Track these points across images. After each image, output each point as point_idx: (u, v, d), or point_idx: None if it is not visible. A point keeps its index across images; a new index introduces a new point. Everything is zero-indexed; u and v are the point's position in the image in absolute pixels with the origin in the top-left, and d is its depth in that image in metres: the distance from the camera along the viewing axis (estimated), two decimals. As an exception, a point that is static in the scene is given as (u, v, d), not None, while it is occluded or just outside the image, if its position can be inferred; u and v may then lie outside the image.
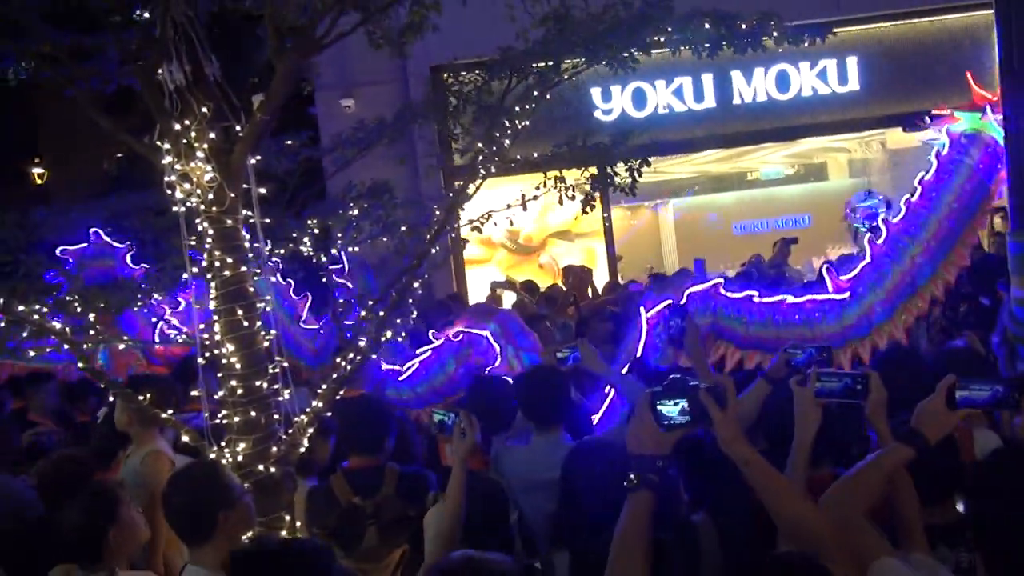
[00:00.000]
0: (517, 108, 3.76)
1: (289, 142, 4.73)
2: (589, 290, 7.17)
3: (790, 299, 3.66)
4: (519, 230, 9.25)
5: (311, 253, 4.53)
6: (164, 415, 2.71)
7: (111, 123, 2.69)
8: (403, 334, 3.64)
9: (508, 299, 7.91)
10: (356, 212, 4.50)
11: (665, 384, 1.61)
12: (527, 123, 3.86)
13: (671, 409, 1.59)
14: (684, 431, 1.60)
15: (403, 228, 4.47)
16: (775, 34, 3.51)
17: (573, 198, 4.77)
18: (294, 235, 4.36)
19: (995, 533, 1.59)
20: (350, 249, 5.01)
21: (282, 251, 4.33)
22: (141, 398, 2.69)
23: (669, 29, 3.53)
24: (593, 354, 3.34)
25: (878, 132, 9.64)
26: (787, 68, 8.93)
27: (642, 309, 3.89)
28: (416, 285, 3.51)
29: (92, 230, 4.74)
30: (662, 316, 3.77)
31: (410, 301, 3.56)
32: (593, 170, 5.04)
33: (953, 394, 1.77)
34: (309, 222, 4.30)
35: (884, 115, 8.90)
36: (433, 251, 3.48)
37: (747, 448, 1.61)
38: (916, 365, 2.74)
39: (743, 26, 3.48)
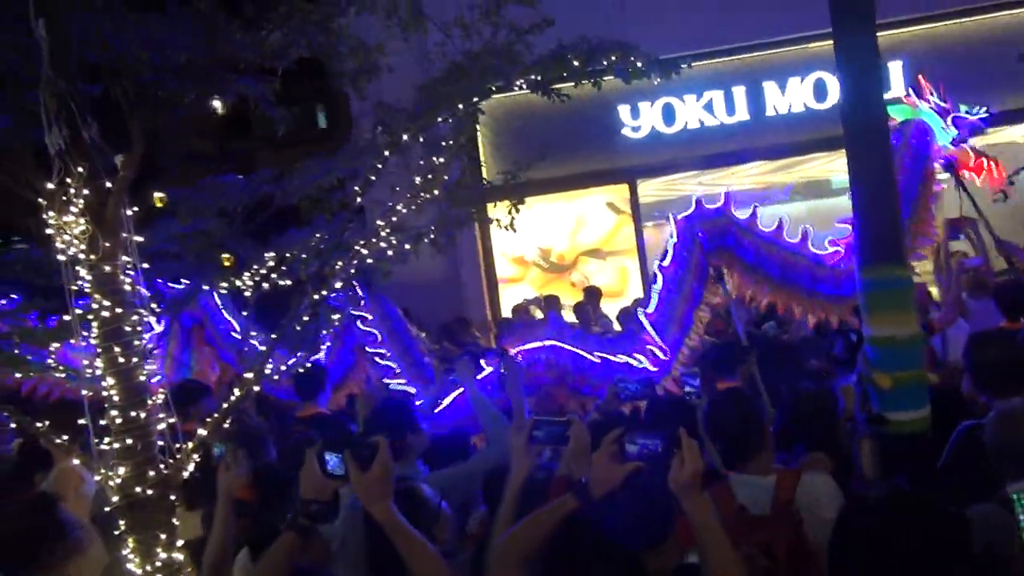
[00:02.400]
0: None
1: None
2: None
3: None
4: (551, 248, 9.35)
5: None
6: (58, 440, 3.04)
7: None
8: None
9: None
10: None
11: (333, 440, 1.76)
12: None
13: (334, 461, 1.73)
14: (342, 483, 1.73)
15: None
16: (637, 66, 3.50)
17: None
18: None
19: None
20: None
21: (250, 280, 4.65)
22: (39, 425, 3.03)
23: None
24: (467, 371, 3.46)
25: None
26: (823, 76, 8.62)
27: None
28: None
29: None
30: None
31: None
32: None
33: (623, 446, 1.78)
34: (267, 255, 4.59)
35: (934, 121, 8.41)
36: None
37: (387, 511, 1.72)
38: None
39: (605, 61, 3.50)
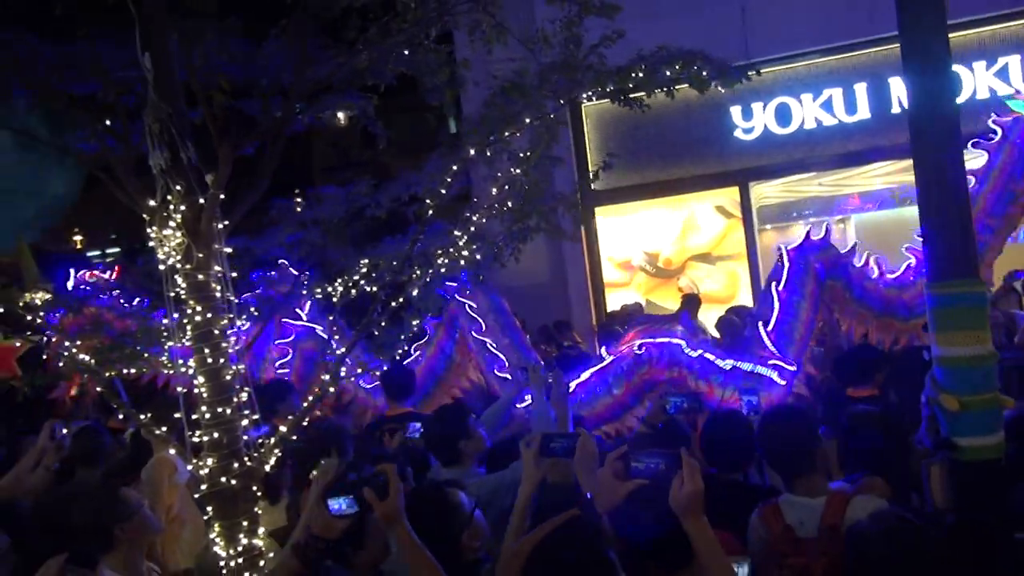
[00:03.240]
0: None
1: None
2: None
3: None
4: (658, 253, 9.22)
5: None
6: (158, 431, 3.36)
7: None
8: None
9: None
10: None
11: (337, 484, 1.90)
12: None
13: (339, 502, 1.87)
14: (352, 518, 1.87)
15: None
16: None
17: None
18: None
19: None
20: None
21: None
22: (143, 416, 3.36)
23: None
24: (537, 378, 3.51)
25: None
26: (957, 69, 8.01)
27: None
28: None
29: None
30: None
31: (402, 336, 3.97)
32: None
33: (628, 464, 1.79)
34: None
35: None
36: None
37: (404, 531, 1.83)
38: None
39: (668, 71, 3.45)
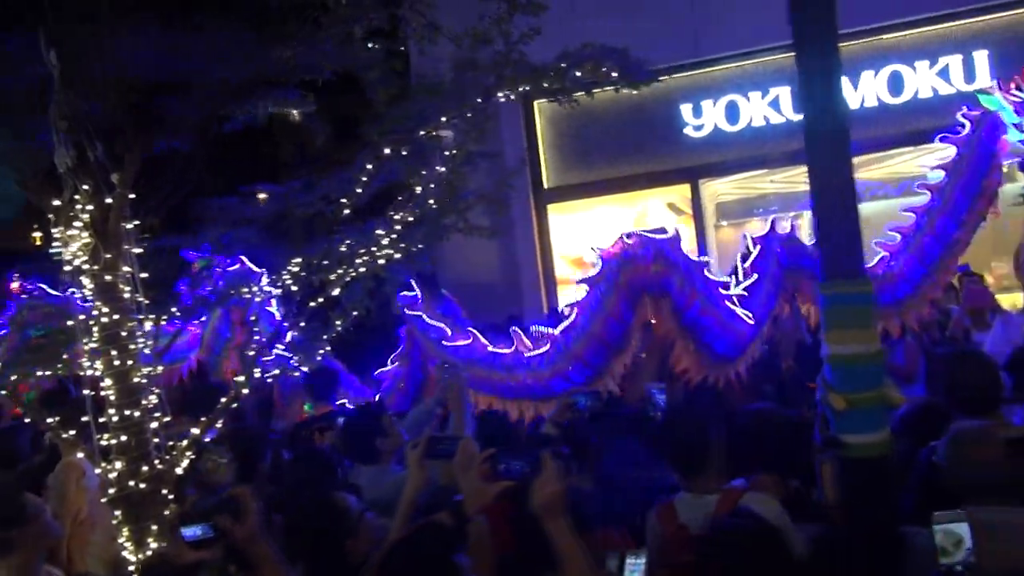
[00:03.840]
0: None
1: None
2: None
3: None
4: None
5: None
6: (65, 435, 3.31)
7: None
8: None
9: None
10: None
11: (188, 512, 1.89)
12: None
13: (194, 529, 1.86)
14: (212, 544, 1.86)
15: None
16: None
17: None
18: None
19: None
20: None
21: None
22: (49, 421, 3.31)
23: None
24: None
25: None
26: (900, 69, 8.15)
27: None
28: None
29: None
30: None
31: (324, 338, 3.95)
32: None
33: (495, 466, 1.80)
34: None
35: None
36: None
37: (265, 550, 1.83)
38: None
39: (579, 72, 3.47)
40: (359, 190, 3.55)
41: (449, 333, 4.65)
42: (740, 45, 8.39)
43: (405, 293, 4.88)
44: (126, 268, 3.23)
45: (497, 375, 4.39)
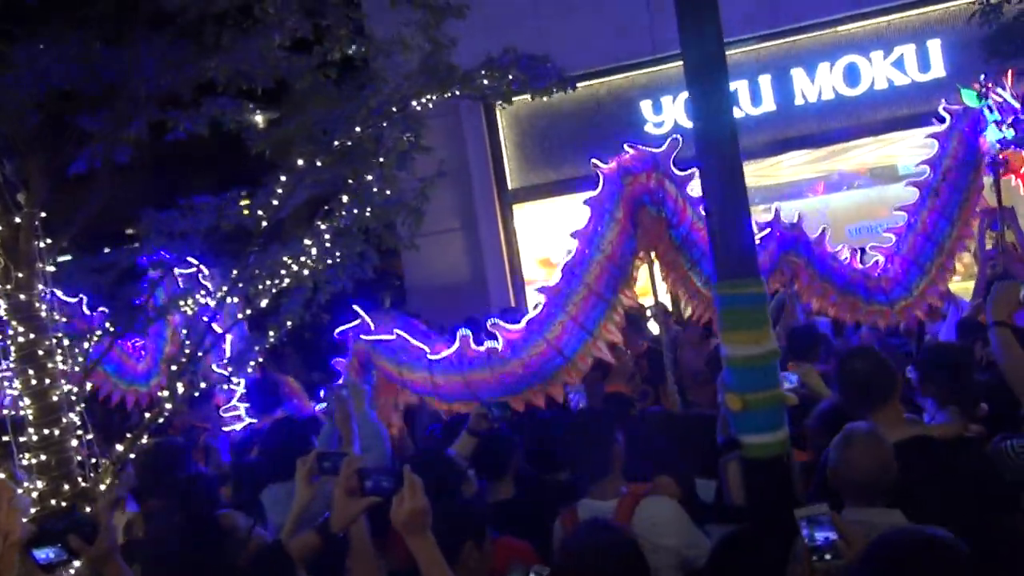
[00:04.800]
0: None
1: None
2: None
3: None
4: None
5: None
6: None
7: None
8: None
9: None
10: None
11: (39, 533, 1.87)
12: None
13: (45, 552, 1.84)
14: (66, 566, 1.85)
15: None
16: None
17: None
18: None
19: None
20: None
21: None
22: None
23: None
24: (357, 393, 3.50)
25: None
26: (856, 60, 8.18)
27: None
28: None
29: None
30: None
31: (256, 348, 3.93)
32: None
33: (362, 481, 1.80)
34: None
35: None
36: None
37: (118, 569, 1.83)
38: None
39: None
40: (275, 202, 3.54)
41: (428, 350, 4.43)
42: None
43: (343, 328, 4.39)
44: (41, 287, 3.21)
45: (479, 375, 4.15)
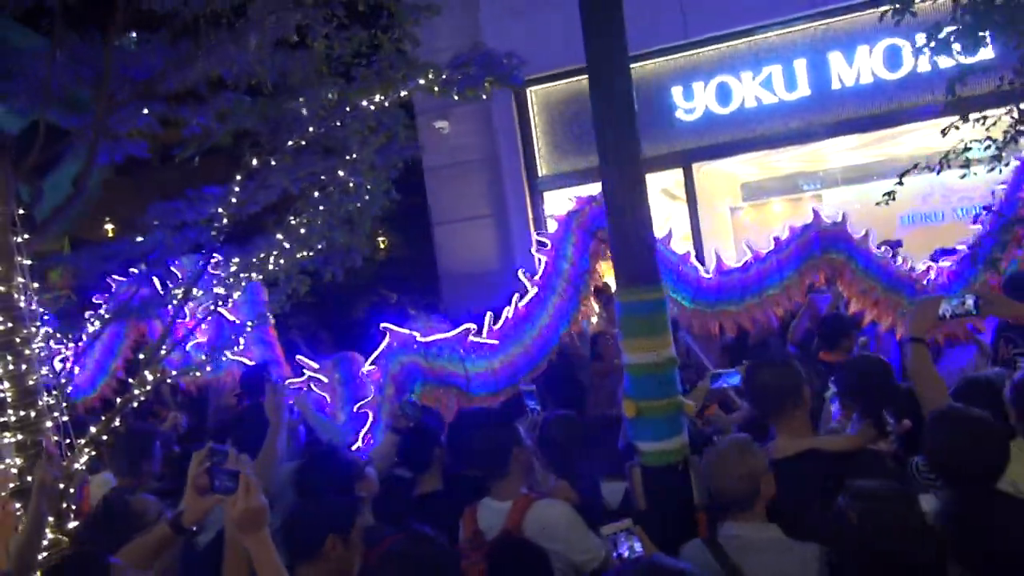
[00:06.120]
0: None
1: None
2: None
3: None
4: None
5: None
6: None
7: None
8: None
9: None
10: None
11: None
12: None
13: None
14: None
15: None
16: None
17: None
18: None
19: None
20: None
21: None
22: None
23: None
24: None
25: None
26: (896, 43, 7.80)
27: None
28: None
29: None
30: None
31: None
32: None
33: (212, 479, 1.89)
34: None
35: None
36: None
37: None
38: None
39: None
40: (233, 199, 3.68)
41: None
42: (729, 24, 8.20)
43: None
44: (20, 279, 3.45)
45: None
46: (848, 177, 10.27)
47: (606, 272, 5.33)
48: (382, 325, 4.59)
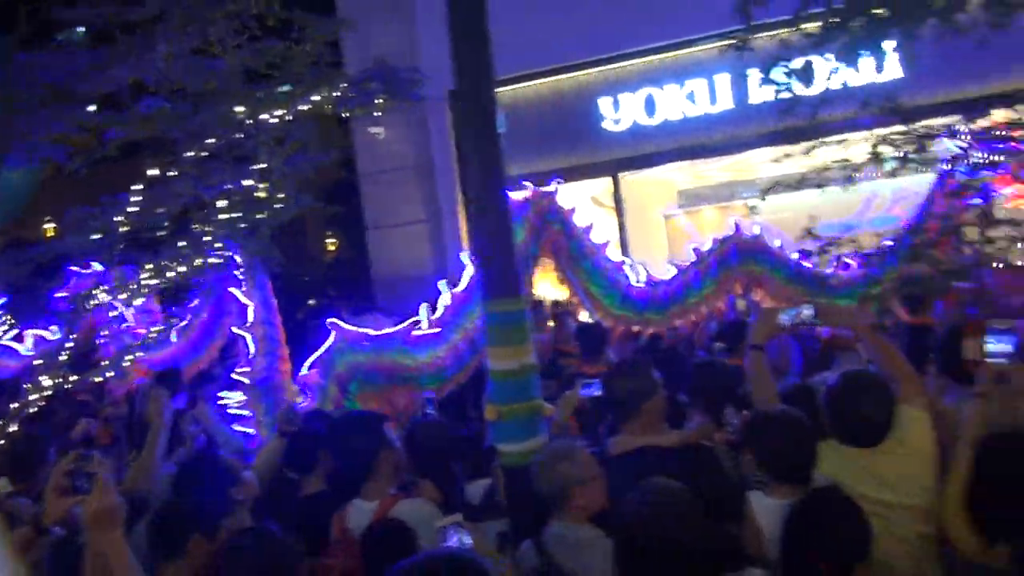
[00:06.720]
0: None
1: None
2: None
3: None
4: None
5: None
6: None
7: None
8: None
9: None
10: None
11: None
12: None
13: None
14: None
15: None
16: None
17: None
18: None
19: None
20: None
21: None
22: None
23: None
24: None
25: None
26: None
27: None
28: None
29: None
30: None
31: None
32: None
33: (73, 481, 2.00)
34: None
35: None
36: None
37: None
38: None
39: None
40: (131, 209, 3.75)
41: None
42: (657, 38, 8.45)
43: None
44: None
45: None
46: (785, 184, 10.61)
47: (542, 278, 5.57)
48: (328, 322, 4.62)
